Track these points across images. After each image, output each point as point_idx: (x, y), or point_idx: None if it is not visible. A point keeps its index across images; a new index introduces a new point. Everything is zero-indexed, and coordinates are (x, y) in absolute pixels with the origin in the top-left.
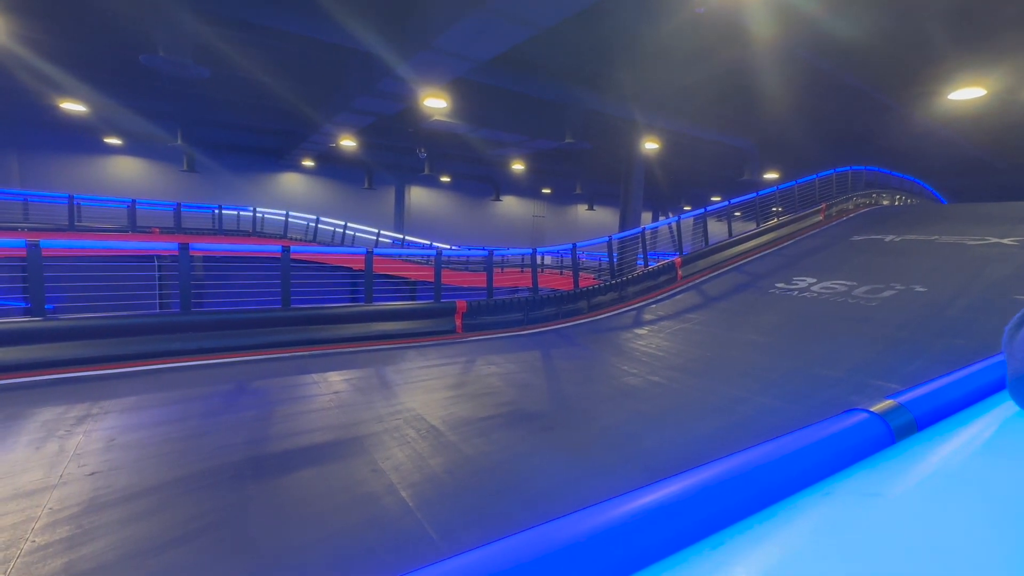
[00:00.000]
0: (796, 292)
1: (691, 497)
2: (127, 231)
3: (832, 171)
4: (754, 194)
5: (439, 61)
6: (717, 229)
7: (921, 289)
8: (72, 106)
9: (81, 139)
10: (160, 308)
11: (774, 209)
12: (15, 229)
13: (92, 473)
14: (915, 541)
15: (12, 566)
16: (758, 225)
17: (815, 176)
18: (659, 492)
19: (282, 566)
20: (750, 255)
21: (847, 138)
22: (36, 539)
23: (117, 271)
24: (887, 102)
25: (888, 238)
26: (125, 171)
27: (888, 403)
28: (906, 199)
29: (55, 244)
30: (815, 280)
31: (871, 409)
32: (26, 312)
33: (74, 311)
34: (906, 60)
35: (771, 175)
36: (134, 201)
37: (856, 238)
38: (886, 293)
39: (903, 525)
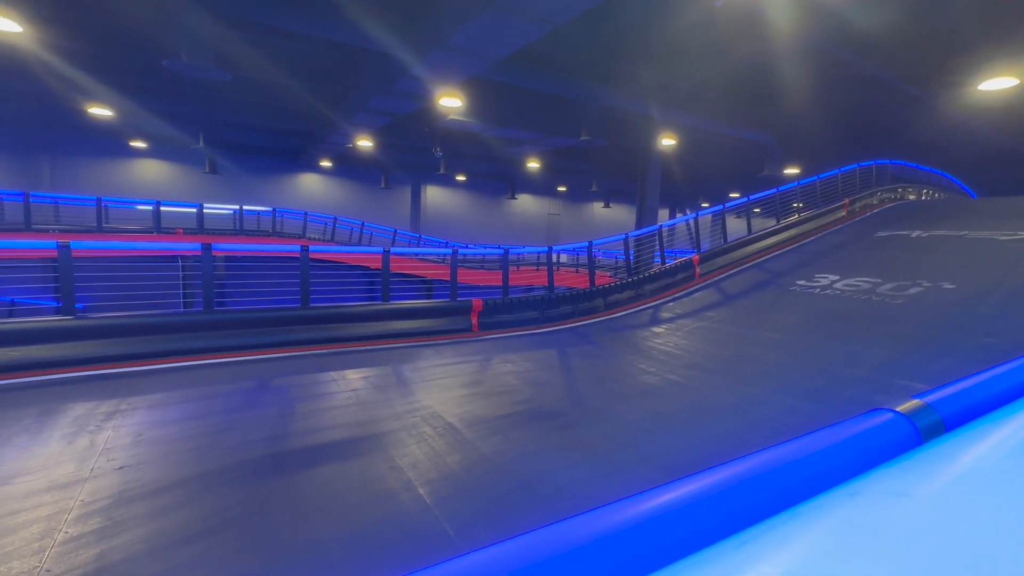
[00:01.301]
0: (818, 289)
1: (713, 496)
2: (152, 232)
3: (855, 165)
4: (774, 190)
5: (454, 60)
6: (736, 226)
7: (949, 286)
8: (100, 111)
9: (108, 143)
10: (184, 307)
11: (795, 205)
12: (47, 231)
13: (121, 467)
14: (944, 543)
15: (47, 555)
16: (778, 221)
17: (838, 171)
18: (681, 490)
19: (303, 560)
20: (770, 252)
21: (871, 131)
22: (69, 530)
23: (143, 271)
24: (914, 93)
25: (915, 234)
26: (150, 173)
27: (915, 403)
28: (933, 193)
29: (84, 245)
30: (837, 277)
31: (897, 409)
32: (58, 311)
33: (103, 310)
34: (934, 50)
35: (792, 170)
36: (159, 203)
37: (881, 234)
38: (912, 290)
39: (932, 527)
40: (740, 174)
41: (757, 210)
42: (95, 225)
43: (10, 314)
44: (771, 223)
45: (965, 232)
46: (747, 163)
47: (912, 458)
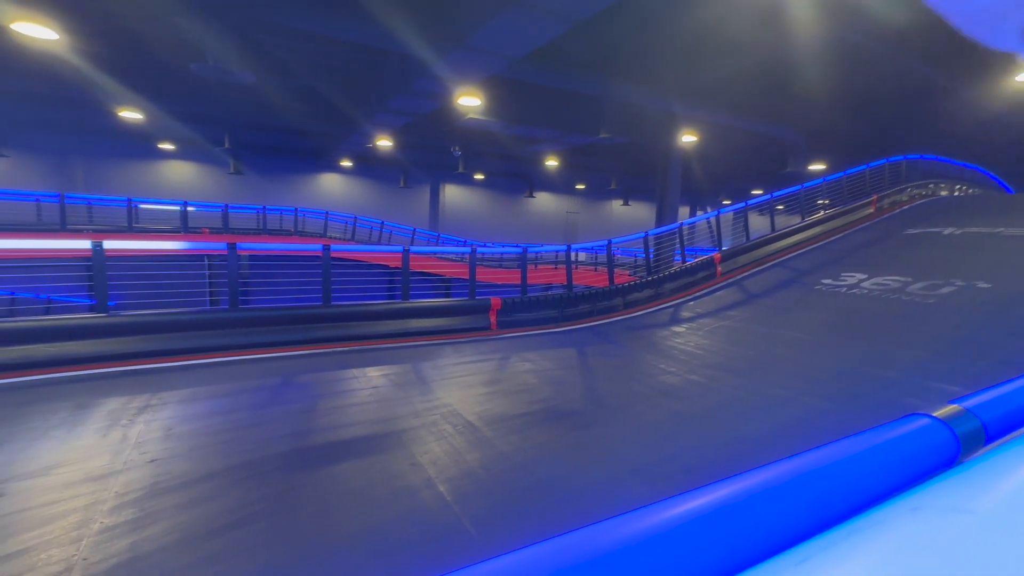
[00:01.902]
0: (845, 289)
1: (738, 504)
2: (180, 231)
3: (884, 160)
4: (799, 186)
5: (473, 59)
6: (759, 223)
7: (985, 285)
8: (130, 114)
9: (138, 145)
10: (210, 305)
11: (820, 202)
12: (80, 231)
13: (152, 460)
14: (995, 557)
15: (84, 544)
16: (803, 219)
17: (865, 166)
18: (705, 498)
19: (327, 554)
20: (794, 250)
21: (902, 125)
22: (104, 520)
23: (171, 270)
24: (946, 85)
25: (947, 231)
26: (177, 175)
27: (953, 408)
28: (967, 189)
29: (117, 244)
30: (865, 276)
31: (934, 414)
32: (91, 308)
33: (133, 308)
34: (968, 39)
35: (817, 166)
36: (185, 203)
37: (911, 231)
38: (945, 289)
39: (981, 541)
40: (763, 171)
41: (780, 207)
42: (126, 225)
43: (47, 311)
44: (795, 221)
45: (1001, 229)
46: (770, 159)
47: (951, 467)
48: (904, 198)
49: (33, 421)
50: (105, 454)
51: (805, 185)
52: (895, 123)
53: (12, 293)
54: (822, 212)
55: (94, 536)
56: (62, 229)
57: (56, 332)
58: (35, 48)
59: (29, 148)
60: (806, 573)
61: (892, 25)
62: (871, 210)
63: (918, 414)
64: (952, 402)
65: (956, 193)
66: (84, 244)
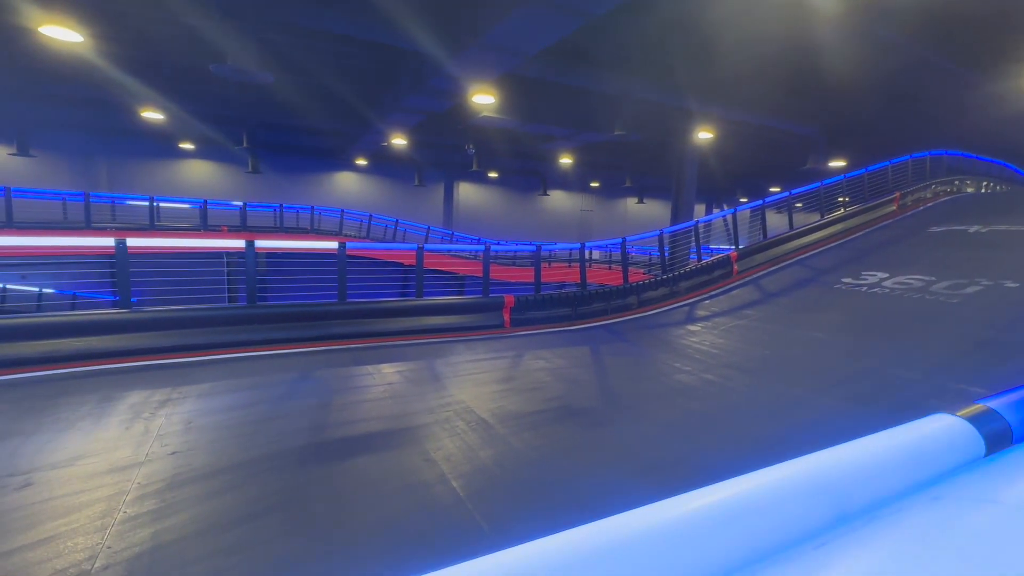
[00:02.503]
0: (865, 288)
1: (760, 499)
2: (199, 230)
3: (907, 157)
4: (818, 183)
5: (488, 56)
6: (776, 221)
7: (1012, 284)
8: (152, 115)
9: (159, 145)
10: (228, 301)
11: (841, 199)
12: (104, 229)
13: (173, 453)
14: (1012, 541)
15: (108, 533)
16: (822, 216)
17: (888, 163)
18: (721, 493)
19: (343, 546)
20: (813, 248)
21: (926, 121)
22: (127, 510)
23: (191, 267)
24: (973, 79)
25: (973, 229)
26: (197, 174)
27: (978, 407)
28: (995, 186)
29: (139, 242)
30: (887, 275)
31: (959, 414)
32: (114, 304)
33: (154, 304)
34: (996, 31)
35: (838, 163)
36: (205, 202)
37: (935, 229)
38: (970, 289)
39: (1001, 526)
40: (781, 168)
41: (799, 205)
42: (148, 223)
43: (73, 307)
44: (814, 219)
45: None
46: (789, 156)
47: (975, 468)
48: (928, 195)
49: (60, 413)
50: (128, 446)
51: (825, 182)
52: (919, 118)
53: (39, 289)
54: (842, 210)
55: (118, 525)
56: (87, 227)
57: (81, 327)
58: (61, 51)
59: (55, 148)
60: (825, 556)
61: (915, 16)
62: (893, 207)
63: (942, 412)
64: (978, 401)
65: (983, 190)
66: (108, 242)
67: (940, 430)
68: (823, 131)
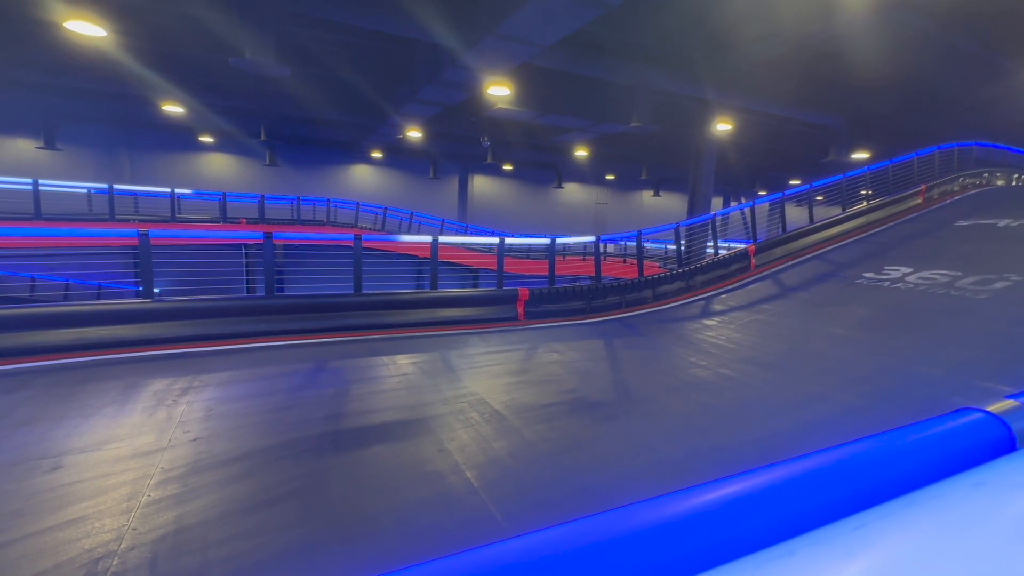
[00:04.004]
0: (888, 283)
1: (780, 491)
2: (218, 222)
3: (934, 148)
4: (840, 176)
5: (503, 47)
6: (796, 215)
7: None
8: (172, 108)
9: (180, 138)
10: (247, 292)
11: (863, 192)
12: (127, 221)
13: (195, 439)
14: None
15: (134, 515)
16: (844, 210)
17: (913, 154)
18: (740, 484)
19: (358, 533)
20: (834, 242)
21: (955, 111)
22: (151, 493)
23: (210, 258)
24: (1005, 66)
25: (1002, 223)
26: (216, 167)
27: (1008, 403)
28: None
29: (161, 234)
30: (911, 270)
31: (988, 409)
32: (138, 295)
33: (175, 294)
34: None
35: (861, 155)
36: (224, 194)
37: (962, 223)
38: (998, 284)
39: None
40: (802, 160)
41: (820, 198)
42: (169, 215)
43: (98, 297)
44: (835, 212)
45: None
46: (810, 148)
47: (1006, 465)
48: (955, 188)
49: (87, 399)
50: (151, 432)
51: (847, 174)
52: (947, 108)
53: (67, 279)
54: (865, 203)
55: (142, 508)
56: (111, 219)
57: (106, 316)
58: (85, 45)
59: (80, 142)
60: (864, 536)
61: (951, 5)
62: (919, 200)
63: (970, 408)
64: (1008, 397)
65: (1014, 183)
66: (131, 234)
67: (967, 426)
68: (846, 122)
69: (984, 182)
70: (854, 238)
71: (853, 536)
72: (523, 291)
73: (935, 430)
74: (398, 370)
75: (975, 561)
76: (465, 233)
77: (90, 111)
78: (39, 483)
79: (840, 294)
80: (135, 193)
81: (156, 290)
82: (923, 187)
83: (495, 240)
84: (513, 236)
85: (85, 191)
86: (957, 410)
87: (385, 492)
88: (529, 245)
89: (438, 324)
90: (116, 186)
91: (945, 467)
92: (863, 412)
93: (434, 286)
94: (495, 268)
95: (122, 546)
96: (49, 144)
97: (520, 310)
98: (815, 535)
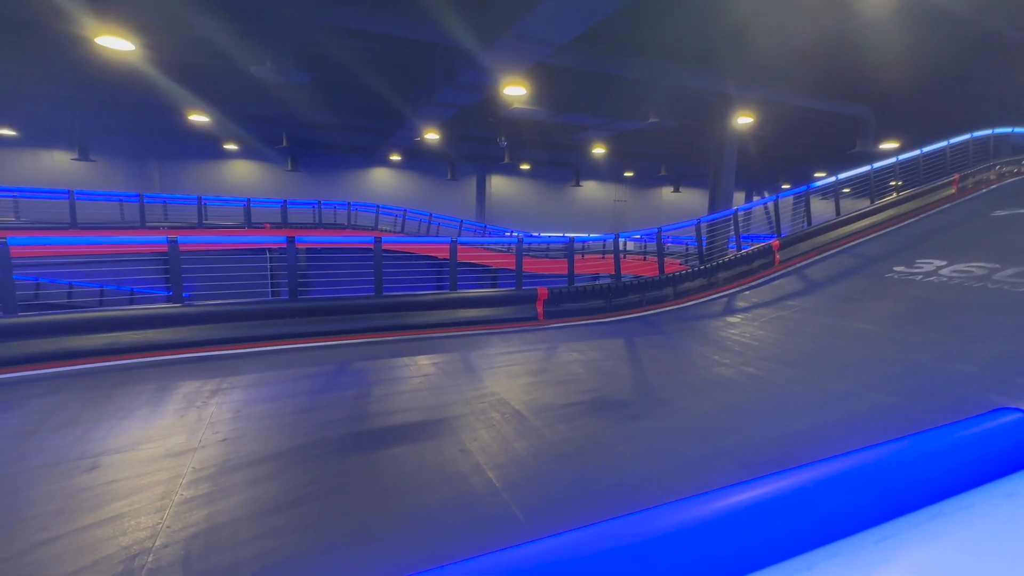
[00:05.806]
0: (920, 276)
1: (810, 494)
2: (243, 227)
3: (968, 136)
4: (868, 167)
5: (519, 47)
6: (821, 208)
7: None
8: (198, 117)
9: (206, 147)
10: (272, 295)
11: (892, 183)
12: (157, 228)
13: (224, 440)
14: None
15: (167, 514)
16: (872, 202)
17: (946, 143)
18: (770, 486)
19: (382, 533)
20: (862, 235)
21: (990, 97)
22: (184, 493)
23: (236, 263)
24: None
25: None
26: (241, 173)
27: None
28: None
29: (189, 240)
30: (944, 262)
31: None
32: (168, 300)
33: (203, 299)
34: None
35: (889, 145)
36: (249, 200)
37: (999, 213)
38: None
39: None
40: (827, 152)
41: (846, 190)
42: (196, 222)
43: (131, 302)
44: (863, 205)
45: None
46: (836, 139)
47: None
48: (991, 176)
49: (121, 401)
50: (183, 433)
51: (874, 166)
52: (983, 95)
53: (101, 285)
54: (895, 194)
55: (175, 507)
56: (141, 226)
57: (138, 321)
58: (115, 59)
59: (112, 153)
60: (886, 550)
61: None
62: (952, 191)
63: (1007, 408)
64: None
65: None
66: (161, 241)
67: (1004, 426)
68: (873, 112)
69: (1022, 170)
70: (884, 231)
71: (875, 550)
72: (542, 291)
73: (969, 431)
74: (419, 371)
75: None
76: (484, 233)
77: (120, 123)
78: (78, 483)
79: (869, 289)
80: (164, 200)
81: (186, 295)
82: (956, 176)
83: (513, 240)
84: (532, 236)
85: (117, 200)
86: (995, 410)
87: (408, 492)
88: (548, 244)
89: (458, 325)
90: (146, 194)
91: (978, 473)
92: (892, 410)
93: (453, 287)
94: (514, 268)
95: (156, 544)
96: (83, 156)
97: (539, 310)
98: (835, 547)
